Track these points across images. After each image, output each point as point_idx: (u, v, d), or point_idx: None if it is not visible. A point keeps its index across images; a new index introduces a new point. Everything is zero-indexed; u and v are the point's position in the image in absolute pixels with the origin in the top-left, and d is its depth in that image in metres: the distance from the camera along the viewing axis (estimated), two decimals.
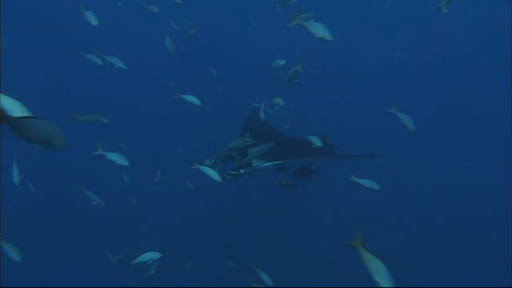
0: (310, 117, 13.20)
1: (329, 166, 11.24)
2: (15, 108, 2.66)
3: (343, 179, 11.52)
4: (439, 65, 17.61)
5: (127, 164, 6.18)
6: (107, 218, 10.02)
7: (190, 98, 5.92)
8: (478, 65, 17.32)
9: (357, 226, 11.39)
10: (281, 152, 6.25)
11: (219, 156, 6.46)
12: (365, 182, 5.28)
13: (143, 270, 6.80)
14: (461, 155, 14.03)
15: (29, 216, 10.40)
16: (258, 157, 5.95)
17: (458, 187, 12.74)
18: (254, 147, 5.82)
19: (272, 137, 6.87)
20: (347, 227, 11.36)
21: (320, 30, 3.35)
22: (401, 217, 11.85)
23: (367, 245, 9.37)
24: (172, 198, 11.15)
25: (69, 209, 10.82)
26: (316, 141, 5.36)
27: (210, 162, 6.19)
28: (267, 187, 10.42)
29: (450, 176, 13.41)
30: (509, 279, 8.88)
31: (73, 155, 11.67)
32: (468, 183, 13.09)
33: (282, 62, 5.47)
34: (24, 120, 2.22)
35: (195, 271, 9.00)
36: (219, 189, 6.10)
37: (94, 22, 5.32)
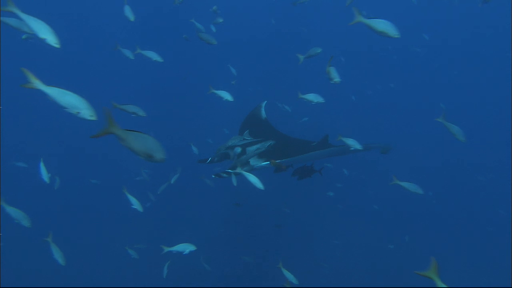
0: (326, 114, 13.17)
1: (344, 164, 11.30)
2: (87, 111, 2.79)
3: (356, 177, 11.62)
4: (458, 60, 17.64)
5: None
6: (124, 213, 10.10)
7: (223, 93, 5.94)
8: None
9: (370, 223, 11.47)
10: (280, 151, 6.09)
11: (217, 154, 6.32)
12: (409, 185, 5.07)
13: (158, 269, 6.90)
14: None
15: (47, 207, 10.43)
16: (256, 156, 5.82)
17: (463, 185, 12.82)
18: (253, 145, 5.77)
19: (271, 136, 6.76)
20: (361, 224, 11.43)
21: (384, 27, 3.30)
22: (412, 214, 11.93)
23: (383, 244, 9.38)
24: (189, 194, 11.19)
25: (87, 203, 10.89)
26: (355, 144, 5.07)
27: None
28: (281, 184, 10.43)
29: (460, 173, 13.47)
30: (509, 279, 8.94)
31: (93, 151, 11.79)
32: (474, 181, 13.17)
33: (318, 50, 5.36)
34: (130, 133, 2.40)
35: (212, 267, 9.04)
36: (235, 187, 6.07)
37: (131, 17, 5.31)
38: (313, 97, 5.44)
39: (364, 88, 15.17)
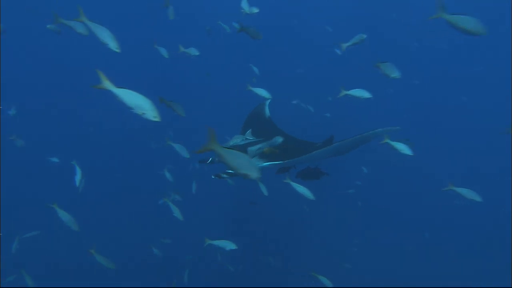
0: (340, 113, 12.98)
1: (364, 163, 11.17)
2: (151, 112, 2.86)
3: (374, 176, 11.48)
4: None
5: (188, 156, 6.35)
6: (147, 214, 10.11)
7: (260, 90, 5.89)
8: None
9: (387, 223, 11.36)
10: (283, 151, 5.75)
11: None
12: (465, 192, 4.71)
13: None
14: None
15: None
16: (258, 156, 5.58)
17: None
18: (255, 145, 5.58)
19: (275, 136, 6.26)
20: (379, 224, 11.32)
21: (469, 24, 3.10)
22: (430, 214, 11.80)
23: (403, 245, 9.21)
24: (209, 193, 11.10)
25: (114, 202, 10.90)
26: (405, 150, 4.55)
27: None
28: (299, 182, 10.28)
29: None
30: (509, 279, 8.83)
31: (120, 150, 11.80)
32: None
33: (363, 36, 5.03)
34: (228, 151, 2.57)
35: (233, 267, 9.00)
36: (255, 185, 6.00)
37: (171, 16, 5.29)
38: (360, 93, 5.03)
39: (386, 85, 15.00)
